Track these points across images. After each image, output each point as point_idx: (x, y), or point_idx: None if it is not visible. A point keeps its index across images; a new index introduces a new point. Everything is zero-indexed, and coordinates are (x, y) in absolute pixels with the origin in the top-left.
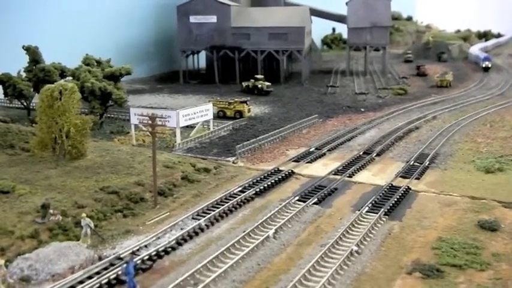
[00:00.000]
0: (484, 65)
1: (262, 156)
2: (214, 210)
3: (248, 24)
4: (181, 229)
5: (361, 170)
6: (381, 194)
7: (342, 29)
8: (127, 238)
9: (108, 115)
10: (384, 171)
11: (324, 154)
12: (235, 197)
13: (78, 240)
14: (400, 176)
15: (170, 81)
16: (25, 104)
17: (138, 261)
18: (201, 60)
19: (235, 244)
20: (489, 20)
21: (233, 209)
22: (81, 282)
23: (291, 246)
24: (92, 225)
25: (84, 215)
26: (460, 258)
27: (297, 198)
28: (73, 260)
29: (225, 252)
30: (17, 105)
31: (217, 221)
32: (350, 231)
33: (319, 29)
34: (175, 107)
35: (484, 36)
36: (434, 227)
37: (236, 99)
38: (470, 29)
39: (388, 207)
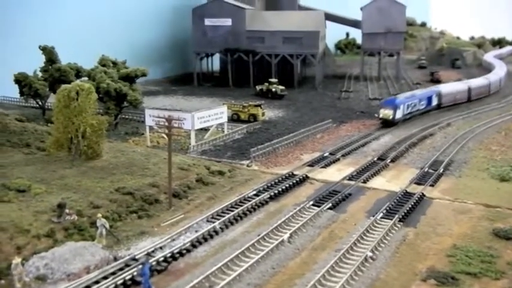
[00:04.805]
0: (381, 115)
1: (277, 160)
2: (228, 213)
3: (262, 27)
4: (196, 231)
5: (375, 175)
6: (395, 200)
7: (356, 34)
8: (142, 239)
9: (123, 116)
10: (398, 178)
11: (338, 159)
12: (249, 201)
13: (94, 240)
14: (415, 183)
15: (184, 84)
16: (40, 103)
17: (153, 263)
18: (215, 62)
19: (250, 248)
20: (504, 27)
21: (247, 212)
22: (96, 282)
23: (305, 251)
24: (107, 225)
25: (99, 215)
26: (475, 266)
27: (311, 202)
28: (88, 260)
29: (239, 255)
30: (32, 105)
31: (232, 224)
32: (364, 237)
33: (333, 34)
34: (189, 109)
35: (499, 43)
36: (449, 234)
37: (250, 103)
38: (484, 36)
39: (403, 214)
